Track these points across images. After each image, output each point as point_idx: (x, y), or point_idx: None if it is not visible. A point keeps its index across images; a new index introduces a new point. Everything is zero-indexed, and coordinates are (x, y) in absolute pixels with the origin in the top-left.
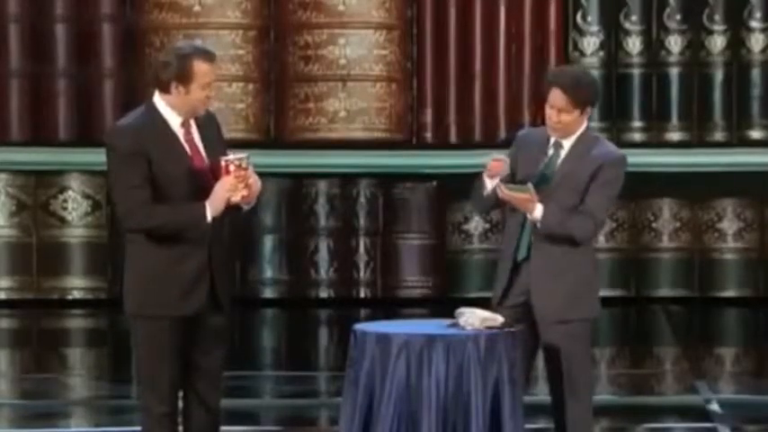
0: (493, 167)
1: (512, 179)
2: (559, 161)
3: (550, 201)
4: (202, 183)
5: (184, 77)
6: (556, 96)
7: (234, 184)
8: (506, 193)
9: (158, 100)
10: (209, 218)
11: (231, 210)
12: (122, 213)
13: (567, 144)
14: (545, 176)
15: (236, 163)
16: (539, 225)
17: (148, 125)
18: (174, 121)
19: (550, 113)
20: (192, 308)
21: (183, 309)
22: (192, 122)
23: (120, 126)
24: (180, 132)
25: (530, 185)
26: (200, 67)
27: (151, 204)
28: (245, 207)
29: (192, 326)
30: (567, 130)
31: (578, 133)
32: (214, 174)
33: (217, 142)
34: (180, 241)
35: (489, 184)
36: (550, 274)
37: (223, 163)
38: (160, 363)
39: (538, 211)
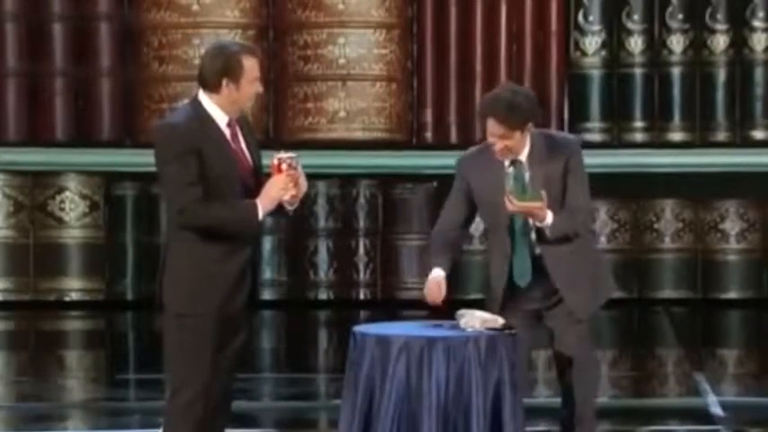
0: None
1: (469, 207)
2: (527, 176)
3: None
4: (248, 182)
5: (234, 74)
6: (493, 126)
7: (286, 182)
8: (519, 204)
9: (204, 99)
10: (260, 216)
11: (276, 209)
12: (178, 211)
13: (523, 156)
14: (522, 189)
15: (288, 161)
16: (548, 231)
17: (199, 124)
18: (222, 120)
19: (493, 141)
20: (236, 306)
21: (228, 307)
22: (235, 123)
23: (171, 124)
24: (227, 132)
25: (543, 192)
26: (248, 61)
27: (205, 202)
28: (289, 207)
29: (226, 324)
30: (514, 151)
31: (528, 143)
32: (255, 174)
33: (253, 144)
34: (227, 240)
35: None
36: (572, 275)
37: (276, 161)
38: (201, 362)
39: (549, 217)
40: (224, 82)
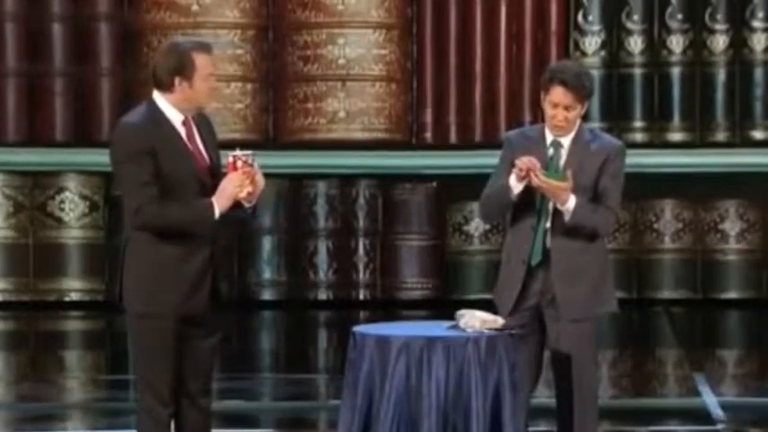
0: (526, 166)
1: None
2: (562, 160)
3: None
4: (205, 181)
5: (186, 72)
6: (560, 93)
7: (242, 180)
8: (543, 180)
9: (159, 99)
10: (216, 214)
11: (233, 207)
12: (133, 211)
13: (567, 141)
14: (554, 175)
15: (244, 159)
16: (567, 216)
17: (153, 124)
18: (176, 119)
19: (555, 112)
20: (195, 307)
21: (186, 307)
22: (191, 122)
23: (126, 124)
24: (182, 131)
25: (568, 173)
26: (200, 58)
27: (160, 202)
28: (247, 205)
29: (188, 324)
30: (570, 126)
31: (576, 128)
32: (212, 172)
33: (212, 143)
34: (185, 239)
35: (518, 186)
36: (573, 273)
37: (231, 158)
38: (162, 362)
39: (571, 201)
40: (176, 81)
